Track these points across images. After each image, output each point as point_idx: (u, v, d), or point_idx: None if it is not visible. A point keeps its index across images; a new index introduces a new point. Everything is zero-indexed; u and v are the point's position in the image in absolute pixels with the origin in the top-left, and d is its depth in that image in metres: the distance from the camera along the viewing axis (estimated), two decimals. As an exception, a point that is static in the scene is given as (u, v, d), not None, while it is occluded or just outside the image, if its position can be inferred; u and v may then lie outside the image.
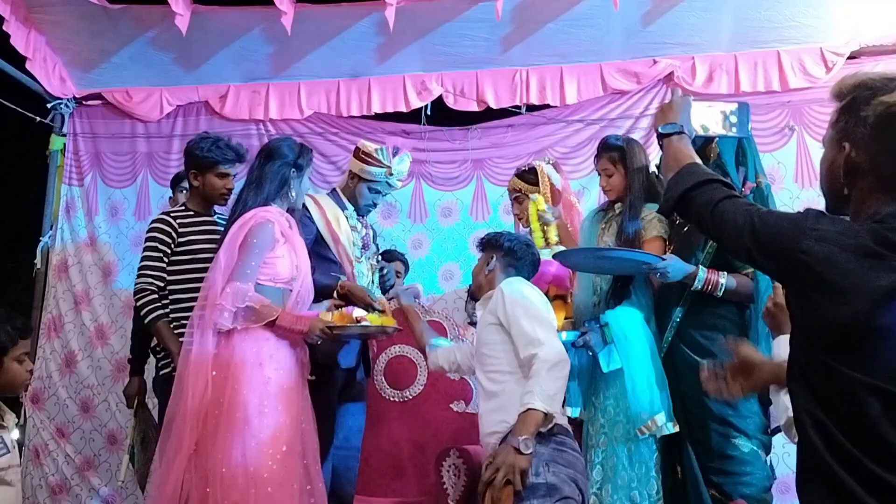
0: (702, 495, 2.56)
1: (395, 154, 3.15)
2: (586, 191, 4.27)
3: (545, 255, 2.87)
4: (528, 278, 2.65)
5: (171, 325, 3.00)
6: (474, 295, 2.83)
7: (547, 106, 4.46)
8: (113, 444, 4.42)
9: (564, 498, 2.22)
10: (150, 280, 3.03)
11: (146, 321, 3.02)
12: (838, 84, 1.42)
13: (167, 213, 3.17)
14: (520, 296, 2.46)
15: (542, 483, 2.21)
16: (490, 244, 2.71)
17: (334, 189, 3.29)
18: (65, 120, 4.78)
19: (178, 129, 4.72)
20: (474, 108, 4.48)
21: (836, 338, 1.25)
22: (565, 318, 2.92)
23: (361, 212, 3.23)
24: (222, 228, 2.85)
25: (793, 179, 4.22)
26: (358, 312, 2.69)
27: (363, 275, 3.13)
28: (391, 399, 3.81)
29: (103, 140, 4.77)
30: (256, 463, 2.36)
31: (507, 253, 2.65)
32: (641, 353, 2.63)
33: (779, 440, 2.83)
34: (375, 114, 4.55)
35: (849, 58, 4.16)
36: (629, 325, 2.69)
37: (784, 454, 3.43)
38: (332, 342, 2.73)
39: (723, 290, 2.60)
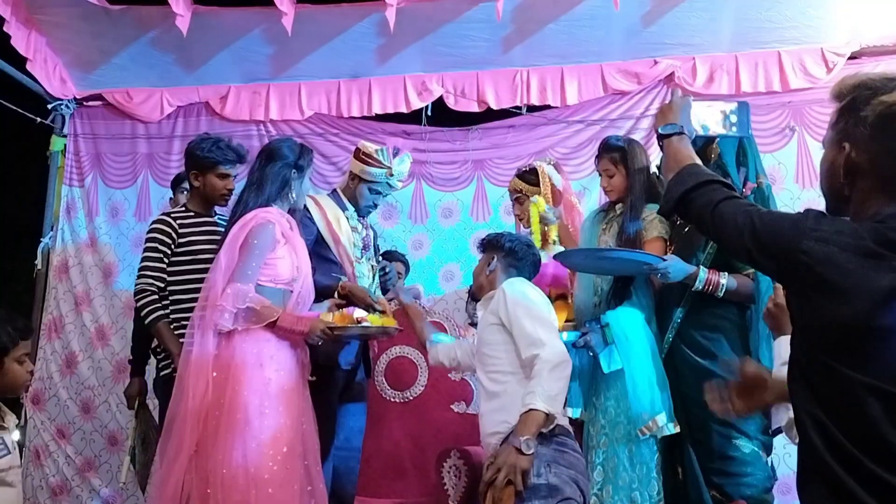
0: (703, 496, 2.56)
1: (395, 155, 3.15)
2: (587, 191, 4.28)
3: (543, 256, 2.87)
4: (529, 279, 2.65)
5: (172, 326, 3.00)
6: (475, 295, 2.83)
7: (547, 106, 4.46)
8: (114, 444, 4.42)
9: (566, 499, 2.22)
10: (151, 281, 3.03)
11: (146, 322, 3.02)
12: (838, 85, 1.42)
13: (167, 214, 3.17)
14: (522, 296, 2.45)
15: (543, 484, 2.21)
16: (491, 245, 2.71)
17: (335, 190, 3.30)
18: (65, 121, 4.78)
19: (179, 130, 4.73)
20: (475, 108, 4.48)
21: (837, 338, 1.25)
22: (566, 321, 2.92)
23: (362, 213, 3.23)
24: (223, 229, 2.85)
25: (793, 180, 4.22)
26: (359, 313, 2.69)
27: (364, 275, 3.13)
28: (392, 400, 3.81)
29: (104, 141, 4.78)
30: (257, 464, 2.36)
31: (508, 253, 2.65)
32: (642, 353, 2.63)
33: (780, 441, 2.83)
34: (376, 114, 4.55)
35: (849, 58, 4.16)
36: (630, 325, 2.69)
37: (785, 455, 3.42)
38: (332, 343, 2.72)
39: (723, 290, 2.60)
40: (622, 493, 2.60)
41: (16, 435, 2.34)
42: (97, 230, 4.68)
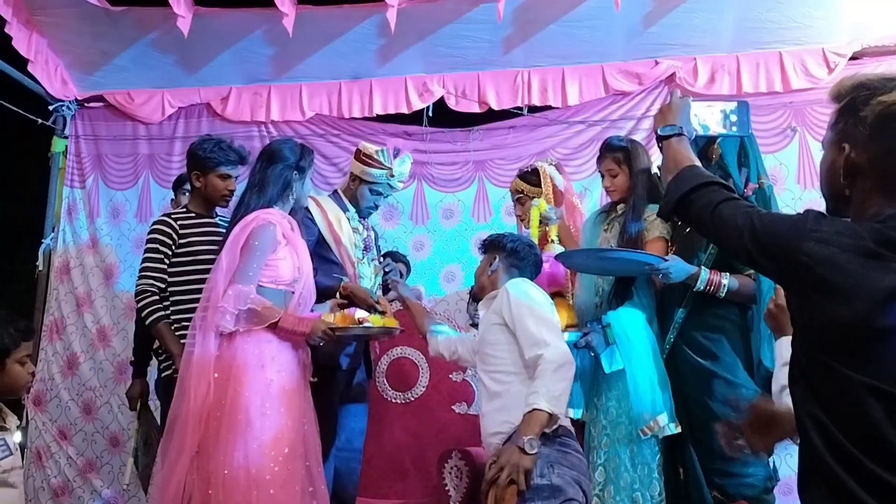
0: (704, 496, 2.56)
1: (395, 156, 3.16)
2: (588, 192, 4.27)
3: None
4: (531, 279, 2.65)
5: (172, 327, 3.01)
6: (476, 296, 2.83)
7: (548, 107, 4.45)
8: (115, 446, 4.42)
9: (569, 500, 2.21)
10: (151, 282, 3.03)
11: (147, 322, 3.02)
12: (836, 86, 1.42)
13: (168, 215, 3.18)
14: (525, 297, 2.45)
15: (546, 485, 2.21)
16: (493, 245, 2.71)
17: (336, 191, 3.30)
18: (66, 122, 4.78)
19: (180, 131, 4.73)
20: (476, 109, 4.48)
21: (837, 339, 1.24)
22: (567, 326, 2.91)
23: (363, 213, 3.23)
24: (224, 230, 2.86)
25: (795, 180, 4.21)
26: (360, 314, 2.69)
27: (365, 276, 3.14)
28: (393, 401, 3.81)
29: (105, 142, 4.78)
30: (258, 465, 2.36)
31: (510, 254, 2.65)
32: (643, 353, 2.63)
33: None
34: (377, 115, 4.55)
35: (851, 58, 4.16)
36: (631, 325, 2.69)
37: (786, 455, 3.42)
38: (334, 344, 2.72)
39: (725, 290, 2.60)
40: (624, 493, 2.60)
41: (17, 436, 2.34)
42: (98, 231, 4.69)
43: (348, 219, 3.16)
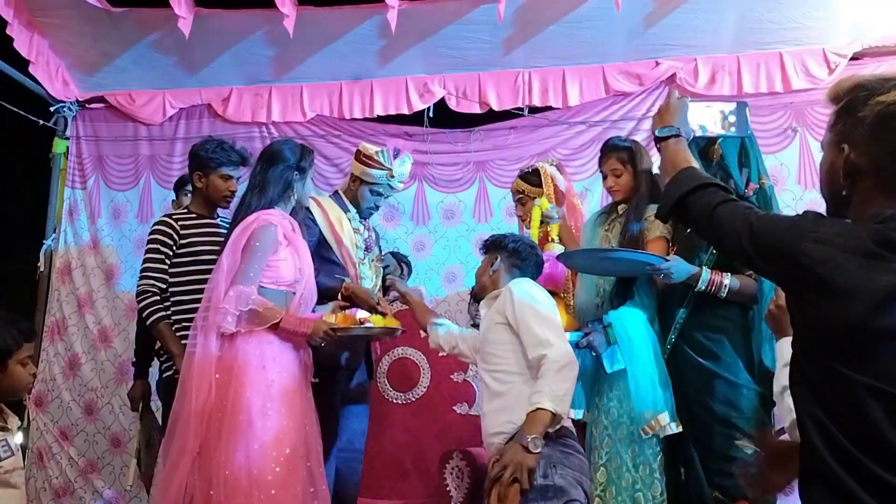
0: (704, 496, 2.56)
1: (395, 156, 3.16)
2: (589, 192, 4.27)
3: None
4: (532, 279, 2.65)
5: (173, 327, 3.01)
6: (477, 296, 2.83)
7: (549, 108, 4.45)
8: (116, 446, 4.43)
9: (571, 501, 2.21)
10: (152, 282, 3.04)
11: (147, 323, 3.03)
12: (834, 87, 1.42)
13: (169, 216, 3.18)
14: (529, 297, 2.45)
15: (549, 485, 2.21)
16: (494, 245, 2.71)
17: (336, 191, 3.30)
18: (68, 123, 4.79)
19: (181, 132, 4.74)
20: (476, 110, 4.48)
21: (837, 340, 1.24)
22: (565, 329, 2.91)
23: (364, 214, 3.23)
24: (225, 231, 2.86)
25: (795, 181, 4.21)
26: (361, 314, 2.69)
27: (366, 277, 3.14)
28: (394, 401, 3.81)
29: (106, 143, 4.79)
30: (260, 465, 2.36)
31: (511, 254, 2.65)
32: (645, 353, 2.63)
33: (782, 442, 2.82)
34: (378, 116, 4.56)
35: (851, 59, 4.16)
36: (632, 325, 2.69)
37: (788, 456, 3.41)
38: (335, 344, 2.73)
39: (726, 291, 2.59)
40: (625, 493, 2.60)
41: (19, 437, 2.34)
42: (99, 232, 4.69)
43: (349, 219, 3.16)
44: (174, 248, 3.07)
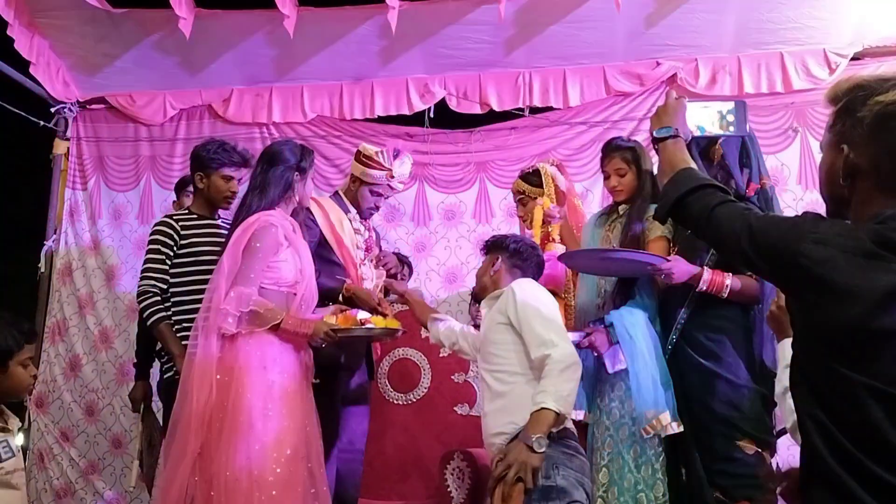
0: (705, 497, 2.55)
1: (395, 157, 3.16)
2: (589, 193, 4.27)
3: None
4: (533, 280, 2.65)
5: (174, 328, 3.01)
6: (477, 296, 2.83)
7: (550, 108, 4.45)
8: (117, 447, 4.43)
9: (573, 502, 2.21)
10: (153, 282, 3.04)
11: (148, 323, 3.03)
12: (833, 88, 1.42)
13: (170, 216, 3.19)
14: (532, 298, 2.45)
15: (552, 486, 2.20)
16: (495, 246, 2.71)
17: (336, 192, 3.30)
18: (68, 124, 4.79)
19: (182, 133, 4.74)
20: (477, 110, 4.48)
21: (838, 340, 1.24)
22: None
23: (364, 214, 3.23)
24: (226, 232, 2.86)
25: (796, 181, 4.20)
26: (362, 315, 2.69)
27: (367, 278, 3.14)
28: (395, 402, 3.81)
29: (106, 144, 4.79)
30: (260, 466, 2.36)
31: (512, 255, 2.65)
32: (646, 352, 2.63)
33: (784, 442, 2.81)
34: (378, 117, 4.55)
35: (852, 59, 4.15)
36: (634, 325, 2.68)
37: (789, 456, 3.40)
38: (336, 345, 2.72)
39: (727, 291, 2.59)
40: (628, 494, 2.59)
41: (20, 438, 2.34)
42: (100, 233, 4.69)
43: (350, 220, 3.16)
44: (175, 248, 3.08)
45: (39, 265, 4.69)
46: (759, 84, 4.22)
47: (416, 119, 4.57)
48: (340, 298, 2.94)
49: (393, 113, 4.54)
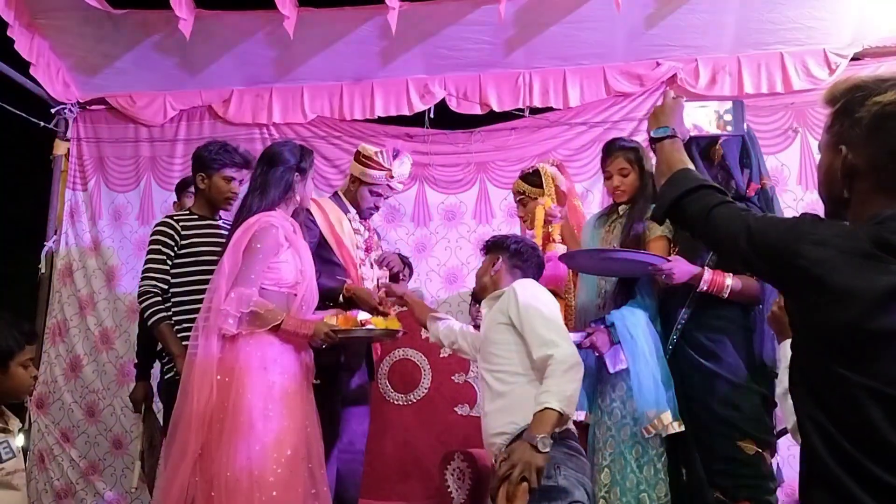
0: (706, 498, 2.55)
1: (395, 157, 3.16)
2: (589, 193, 4.27)
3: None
4: (534, 280, 2.65)
5: (174, 328, 3.01)
6: (477, 297, 2.83)
7: (550, 108, 4.45)
8: (118, 448, 4.43)
9: (575, 502, 2.21)
10: (154, 283, 3.05)
11: (149, 323, 3.04)
12: (830, 89, 1.42)
13: (171, 217, 3.20)
14: (534, 298, 2.45)
15: (553, 486, 2.20)
16: (496, 246, 2.71)
17: (336, 192, 3.31)
18: (68, 125, 4.80)
19: (182, 134, 4.74)
20: (477, 111, 4.48)
21: (836, 341, 1.24)
22: None
23: (364, 215, 3.24)
24: (227, 233, 2.86)
25: (796, 181, 4.20)
26: (363, 316, 2.69)
27: (367, 278, 3.14)
28: (395, 402, 3.81)
29: (107, 144, 4.79)
30: (261, 467, 2.36)
31: (513, 255, 2.65)
32: (648, 352, 2.63)
33: (784, 442, 2.82)
34: (378, 117, 4.55)
35: (852, 59, 4.15)
36: (635, 324, 2.68)
37: (789, 457, 3.41)
38: (336, 346, 2.72)
39: (728, 291, 2.59)
40: (630, 494, 2.59)
41: (20, 439, 2.35)
42: (100, 234, 4.70)
43: (349, 220, 3.16)
44: (176, 248, 3.08)
45: (40, 266, 4.69)
46: (759, 84, 4.22)
47: (417, 120, 4.57)
48: (341, 299, 2.94)
49: (393, 113, 4.54)
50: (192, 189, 3.37)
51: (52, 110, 4.73)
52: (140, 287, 3.08)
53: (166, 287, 3.06)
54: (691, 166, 1.69)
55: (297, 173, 2.76)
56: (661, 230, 2.81)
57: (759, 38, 4.18)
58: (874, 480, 1.18)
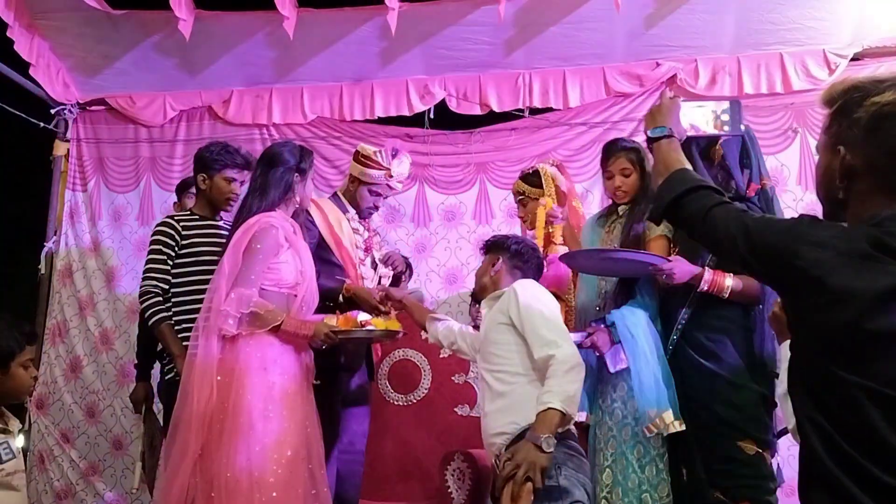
0: (706, 498, 2.55)
1: (394, 156, 3.16)
2: (589, 194, 4.27)
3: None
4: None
5: (175, 329, 3.01)
6: (476, 297, 2.83)
7: (550, 109, 4.45)
8: (118, 449, 4.43)
9: (575, 502, 2.21)
10: (155, 283, 3.05)
11: (149, 323, 3.04)
12: (828, 90, 1.42)
13: (171, 217, 3.21)
14: (534, 299, 2.45)
15: (554, 486, 2.20)
16: (496, 246, 2.71)
17: (335, 193, 3.31)
18: (68, 125, 4.80)
19: (182, 134, 4.74)
20: (477, 111, 4.49)
21: (834, 342, 1.24)
22: None
23: (363, 214, 3.23)
24: (227, 233, 2.86)
25: (796, 181, 4.20)
26: (363, 316, 2.69)
27: (367, 277, 3.14)
28: (395, 403, 3.81)
29: (106, 145, 4.79)
30: (261, 468, 2.36)
31: (513, 255, 2.65)
32: (648, 351, 2.63)
33: (785, 442, 2.82)
34: (378, 118, 4.56)
35: (852, 59, 4.15)
36: (635, 324, 2.68)
37: (789, 457, 3.41)
38: (336, 346, 2.72)
39: (729, 291, 2.59)
40: (632, 494, 2.59)
41: (20, 440, 2.35)
42: (100, 234, 4.70)
43: (348, 220, 3.16)
44: (176, 248, 3.09)
45: (39, 266, 4.69)
46: (759, 85, 4.22)
47: (416, 120, 4.58)
48: (340, 298, 2.94)
49: (393, 114, 4.54)
50: (193, 190, 3.37)
51: (52, 111, 4.74)
52: (141, 287, 3.08)
53: (167, 287, 3.07)
54: (689, 166, 1.69)
55: (296, 174, 2.76)
56: (660, 230, 2.80)
57: (758, 38, 4.18)
58: (873, 481, 1.18)
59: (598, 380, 2.82)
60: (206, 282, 2.69)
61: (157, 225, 3.18)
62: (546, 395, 2.25)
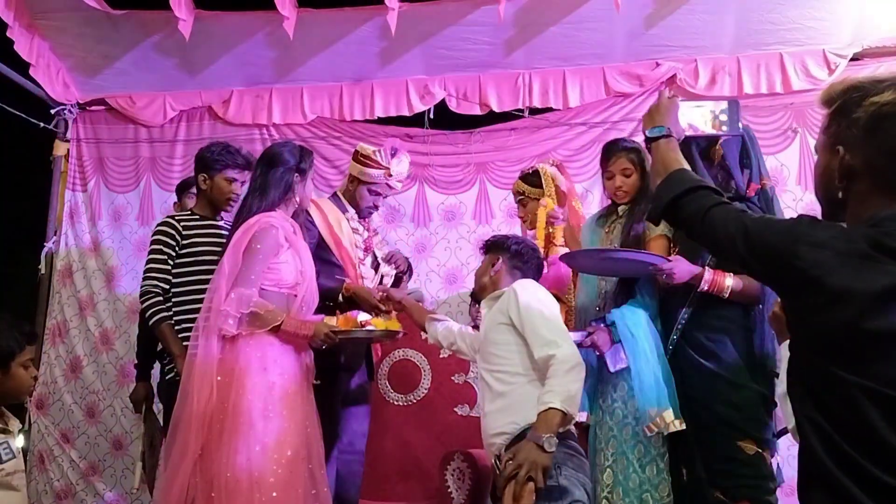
0: (706, 498, 2.55)
1: (393, 155, 3.17)
2: (589, 194, 4.27)
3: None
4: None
5: (175, 328, 3.01)
6: (476, 297, 2.83)
7: (549, 109, 4.45)
8: (118, 449, 4.43)
9: (575, 501, 2.21)
10: (156, 283, 3.06)
11: (150, 323, 3.05)
12: (827, 90, 1.42)
13: (172, 217, 3.21)
14: (535, 299, 2.45)
15: (554, 486, 2.20)
16: (496, 246, 2.71)
17: (335, 193, 3.31)
18: (68, 125, 4.80)
19: (182, 134, 4.74)
20: (477, 111, 4.49)
21: (833, 342, 1.24)
22: None
23: (363, 214, 3.24)
24: (227, 233, 2.87)
25: (796, 181, 4.20)
26: (363, 317, 2.70)
27: (367, 277, 3.14)
28: (395, 403, 3.81)
29: (106, 145, 4.80)
30: (261, 468, 2.37)
31: (513, 255, 2.64)
32: (648, 350, 2.63)
33: (785, 442, 2.82)
34: (378, 118, 4.56)
35: (851, 59, 4.15)
36: (635, 323, 2.68)
37: (789, 456, 3.41)
38: (336, 346, 2.73)
39: (729, 291, 2.59)
40: (633, 494, 2.58)
41: (20, 440, 2.35)
42: (100, 234, 4.70)
43: (348, 219, 3.16)
44: (177, 248, 3.09)
45: (39, 267, 4.70)
46: (759, 85, 4.22)
47: (416, 120, 4.58)
48: (340, 298, 2.94)
49: (393, 114, 4.54)
50: (194, 190, 3.37)
51: (52, 111, 4.74)
52: (142, 287, 3.08)
53: (168, 287, 3.07)
54: (687, 166, 1.69)
55: (296, 174, 2.76)
56: (660, 229, 2.80)
57: (758, 38, 4.18)
58: (873, 481, 1.18)
59: (599, 379, 2.82)
60: (207, 282, 2.69)
61: (158, 225, 3.18)
62: (547, 395, 2.25)
